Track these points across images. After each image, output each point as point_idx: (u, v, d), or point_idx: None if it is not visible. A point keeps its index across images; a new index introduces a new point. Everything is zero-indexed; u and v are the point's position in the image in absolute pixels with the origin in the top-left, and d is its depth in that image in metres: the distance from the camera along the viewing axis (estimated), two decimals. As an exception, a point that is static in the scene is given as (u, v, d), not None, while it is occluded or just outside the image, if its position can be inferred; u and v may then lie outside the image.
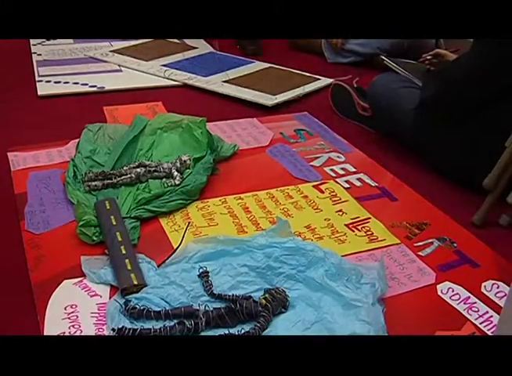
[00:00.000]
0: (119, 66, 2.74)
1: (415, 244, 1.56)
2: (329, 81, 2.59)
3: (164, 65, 2.76)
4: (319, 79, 2.68)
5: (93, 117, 2.14)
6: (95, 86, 2.48)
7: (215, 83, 2.55)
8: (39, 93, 2.41)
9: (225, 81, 2.57)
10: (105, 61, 2.79)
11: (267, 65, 2.84)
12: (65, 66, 2.71)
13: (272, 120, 2.26)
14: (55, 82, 2.51)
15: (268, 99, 2.39)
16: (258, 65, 2.84)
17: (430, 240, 1.59)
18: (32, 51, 2.90)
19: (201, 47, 3.06)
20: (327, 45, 3.01)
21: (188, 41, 3.15)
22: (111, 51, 2.92)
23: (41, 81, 2.52)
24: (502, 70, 1.75)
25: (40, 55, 2.84)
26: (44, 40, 3.07)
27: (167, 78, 2.60)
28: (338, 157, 2.01)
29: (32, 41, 3.03)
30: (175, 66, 2.75)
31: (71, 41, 3.08)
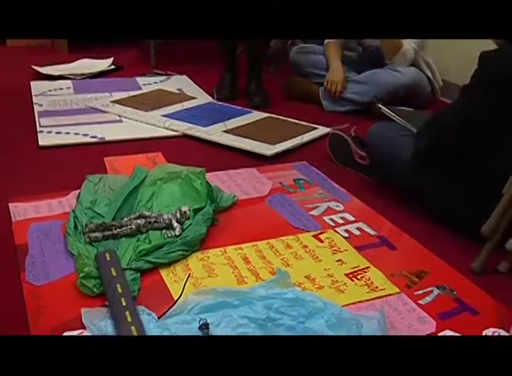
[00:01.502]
0: (119, 116, 2.77)
1: (415, 293, 1.56)
2: (327, 129, 2.63)
3: (164, 115, 2.79)
4: (316, 128, 2.71)
5: (94, 167, 2.16)
6: (95, 137, 2.51)
7: (215, 133, 2.58)
8: (40, 144, 2.43)
9: (224, 131, 2.60)
10: (105, 111, 2.82)
11: (265, 115, 2.87)
12: (66, 116, 2.74)
13: (271, 169, 2.28)
14: (57, 133, 2.54)
15: (268, 149, 2.41)
16: (257, 115, 2.87)
17: (429, 289, 1.59)
18: (34, 101, 2.93)
19: (200, 97, 3.10)
20: (324, 94, 3.05)
21: (187, 92, 3.20)
22: (111, 101, 2.95)
23: (43, 131, 2.55)
24: (491, 114, 1.76)
25: (41, 105, 2.88)
26: (46, 90, 3.11)
27: (167, 129, 2.63)
28: (337, 206, 2.02)
29: (34, 92, 3.07)
30: (175, 116, 2.78)
31: (72, 92, 3.13)
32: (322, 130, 2.68)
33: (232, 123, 2.72)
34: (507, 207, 1.64)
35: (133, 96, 3.07)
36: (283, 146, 2.47)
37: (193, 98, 3.09)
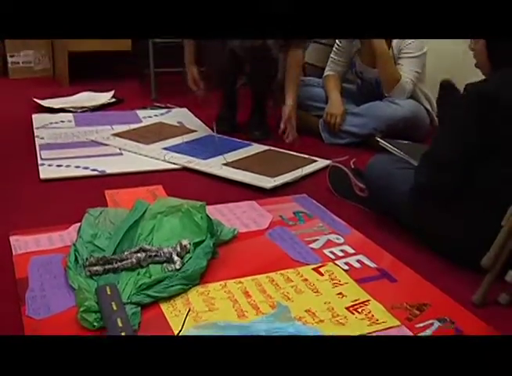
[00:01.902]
0: (120, 149, 2.78)
1: (416, 326, 1.56)
2: (327, 162, 2.65)
3: (165, 148, 2.81)
4: (316, 160, 2.73)
5: (94, 200, 2.17)
6: (96, 170, 2.52)
7: (214, 166, 2.59)
8: (41, 177, 2.44)
9: (224, 164, 2.62)
10: (106, 144, 2.84)
11: (265, 147, 2.89)
12: (67, 149, 2.75)
13: (271, 202, 2.29)
14: (58, 166, 2.55)
15: (267, 182, 2.42)
16: (257, 147, 2.89)
17: (430, 321, 1.59)
18: (35, 134, 2.95)
19: (200, 130, 3.12)
20: (324, 127, 3.07)
21: (187, 125, 3.22)
22: (112, 134, 2.97)
23: (44, 164, 2.56)
24: (483, 143, 1.79)
25: (42, 138, 2.89)
26: (47, 123, 3.12)
27: (167, 162, 2.65)
28: (337, 238, 2.03)
29: (35, 125, 3.09)
30: (175, 149, 2.80)
31: (73, 124, 3.15)
32: (321, 162, 2.70)
33: (232, 156, 2.73)
34: (507, 239, 1.65)
35: (134, 129, 3.09)
36: (283, 178, 2.48)
37: (193, 131, 3.11)
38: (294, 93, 2.95)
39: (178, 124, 3.23)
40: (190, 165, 2.60)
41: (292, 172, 2.55)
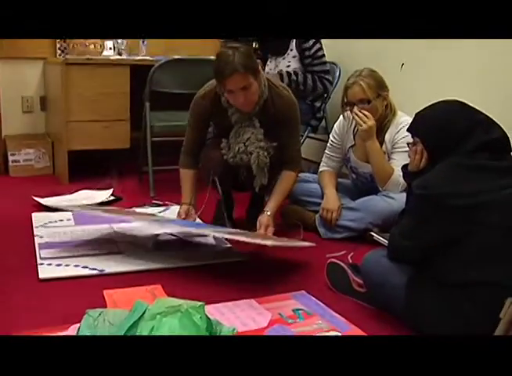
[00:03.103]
0: (118, 249, 2.80)
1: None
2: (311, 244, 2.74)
3: (155, 221, 2.81)
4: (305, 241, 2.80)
5: (94, 300, 2.17)
6: (95, 269, 2.53)
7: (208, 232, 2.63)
8: (40, 276, 2.45)
9: (217, 231, 2.63)
10: (104, 243, 2.85)
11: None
12: (66, 248, 2.77)
13: (270, 300, 2.28)
14: (57, 265, 2.56)
15: (267, 241, 2.45)
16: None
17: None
18: (34, 233, 2.97)
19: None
20: (321, 222, 3.09)
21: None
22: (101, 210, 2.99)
23: (43, 264, 2.57)
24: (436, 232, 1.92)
25: (42, 237, 2.91)
26: (46, 222, 3.15)
27: (161, 220, 2.65)
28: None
29: (34, 223, 3.11)
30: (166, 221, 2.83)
31: (72, 223, 3.17)
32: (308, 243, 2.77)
33: (226, 229, 2.77)
34: (506, 331, 1.65)
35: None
36: (280, 241, 2.52)
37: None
38: (276, 205, 2.90)
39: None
40: (182, 230, 2.60)
41: (287, 242, 2.60)
